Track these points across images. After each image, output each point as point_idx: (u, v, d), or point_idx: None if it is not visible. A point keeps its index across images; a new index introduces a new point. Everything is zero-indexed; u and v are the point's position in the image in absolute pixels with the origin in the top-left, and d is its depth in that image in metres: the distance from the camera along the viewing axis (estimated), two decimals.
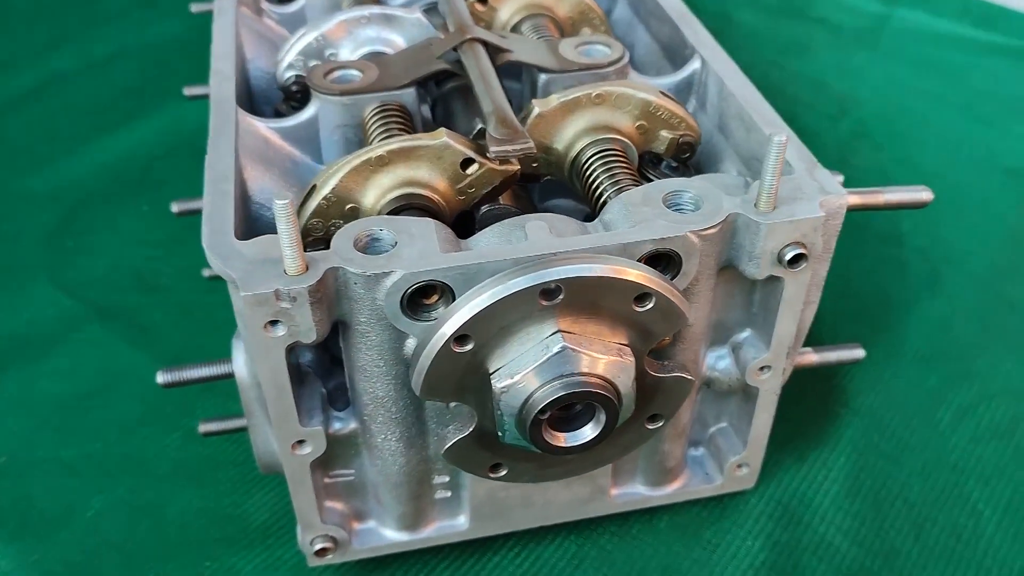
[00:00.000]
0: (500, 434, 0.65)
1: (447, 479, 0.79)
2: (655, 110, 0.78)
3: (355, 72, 0.83)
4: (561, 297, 0.60)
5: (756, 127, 0.77)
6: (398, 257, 0.62)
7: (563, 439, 0.65)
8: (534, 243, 0.64)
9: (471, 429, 0.67)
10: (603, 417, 0.65)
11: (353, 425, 0.74)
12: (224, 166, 0.72)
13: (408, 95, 0.82)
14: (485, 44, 0.82)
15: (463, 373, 0.63)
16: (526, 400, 0.62)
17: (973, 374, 1.03)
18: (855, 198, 0.72)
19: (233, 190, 0.70)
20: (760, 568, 0.85)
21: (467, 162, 0.72)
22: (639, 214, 0.66)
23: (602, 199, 0.74)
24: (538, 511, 0.84)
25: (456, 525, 0.83)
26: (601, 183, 0.74)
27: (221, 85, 0.81)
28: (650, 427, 0.71)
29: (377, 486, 0.79)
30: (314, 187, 0.72)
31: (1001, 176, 1.38)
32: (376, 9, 0.88)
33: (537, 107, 0.76)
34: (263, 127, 0.82)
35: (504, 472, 0.71)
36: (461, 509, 0.82)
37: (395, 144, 0.70)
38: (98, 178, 1.35)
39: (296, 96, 0.89)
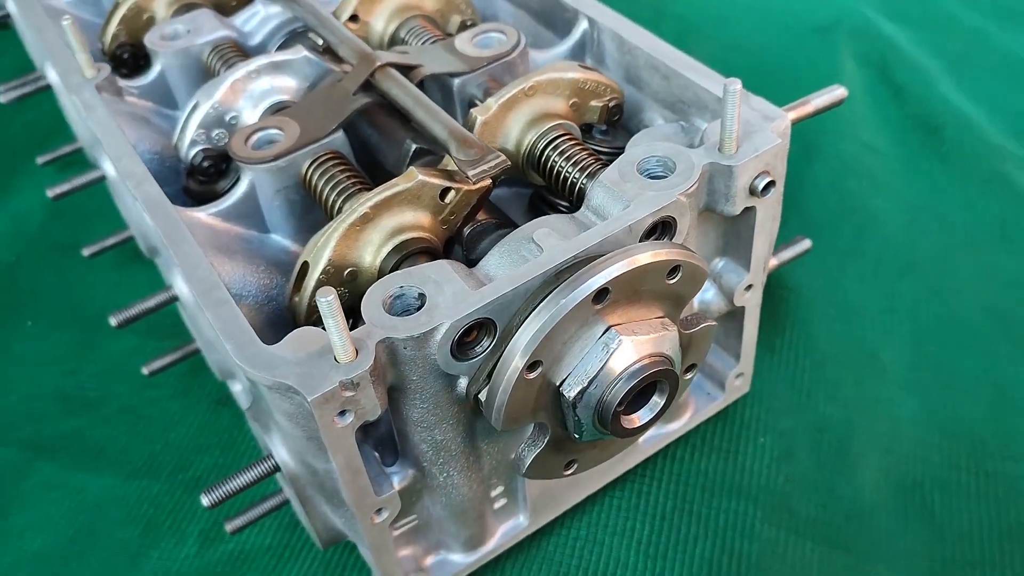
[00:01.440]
0: (577, 436, 0.68)
1: (502, 488, 0.81)
2: (583, 84, 0.81)
3: (275, 131, 0.80)
4: (610, 296, 0.63)
5: (676, 74, 0.82)
6: (436, 309, 0.63)
7: (638, 419, 0.69)
8: (553, 254, 0.66)
9: (546, 441, 0.70)
10: (666, 387, 0.69)
11: (411, 473, 0.75)
12: (204, 273, 0.69)
13: (338, 140, 0.80)
14: (396, 66, 0.81)
15: (536, 395, 0.65)
16: (600, 400, 0.65)
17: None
18: (792, 114, 0.78)
19: (228, 294, 0.67)
20: (781, 458, 0.93)
21: (444, 192, 0.72)
22: (625, 192, 0.69)
23: (571, 184, 0.76)
24: (583, 484, 0.89)
25: (517, 526, 0.86)
26: (564, 170, 0.76)
27: (144, 187, 0.76)
28: (687, 377, 0.75)
29: (442, 520, 0.80)
30: (306, 264, 0.70)
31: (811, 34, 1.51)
32: (262, 60, 0.85)
33: (479, 115, 0.77)
34: (205, 216, 0.78)
35: (576, 466, 0.74)
36: (519, 509, 0.85)
37: (375, 198, 0.69)
38: None
39: (208, 171, 0.85)
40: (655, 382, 0.68)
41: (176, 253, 0.70)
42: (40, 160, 1.27)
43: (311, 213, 0.82)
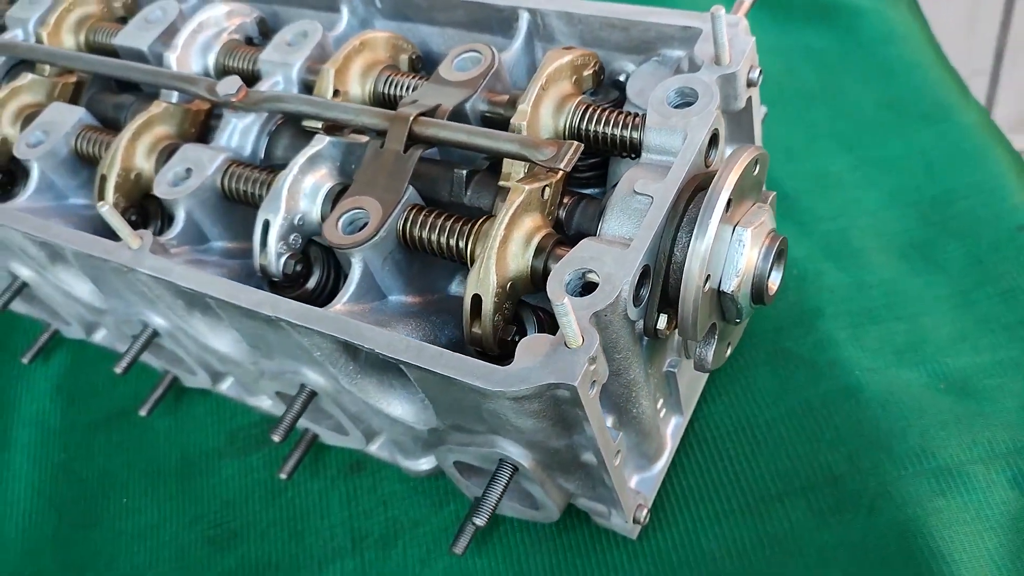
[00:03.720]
0: (737, 320, 0.85)
1: (662, 399, 0.97)
2: (576, 62, 0.94)
3: (355, 211, 0.89)
4: (732, 203, 0.79)
5: (635, 23, 0.97)
6: (613, 276, 0.77)
7: (774, 283, 0.86)
8: (662, 195, 0.81)
9: (716, 337, 0.85)
10: (784, 251, 0.86)
11: (611, 419, 0.89)
12: (404, 343, 0.79)
13: (413, 194, 0.90)
14: (425, 113, 0.92)
15: (708, 302, 0.80)
16: (752, 283, 0.82)
17: None
18: (742, 11, 0.96)
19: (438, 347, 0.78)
20: None
21: (543, 191, 0.85)
22: (676, 125, 0.85)
23: (621, 141, 0.90)
24: (700, 376, 1.06)
25: (679, 424, 1.02)
26: (611, 133, 0.90)
27: (290, 306, 0.84)
28: None
29: (634, 446, 0.95)
30: (476, 296, 0.81)
31: None
32: (298, 161, 0.93)
33: (521, 121, 0.89)
34: (342, 307, 0.87)
35: (731, 348, 0.91)
36: (675, 411, 1.01)
37: (504, 219, 0.81)
38: None
39: (300, 273, 0.93)
40: (780, 250, 0.85)
41: (368, 341, 0.80)
42: (26, 359, 1.28)
43: (412, 266, 0.93)
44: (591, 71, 0.97)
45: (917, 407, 1.01)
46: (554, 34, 1.04)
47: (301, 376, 0.97)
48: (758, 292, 0.83)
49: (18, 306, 1.34)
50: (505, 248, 0.82)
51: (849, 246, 1.18)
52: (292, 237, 0.93)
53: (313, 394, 0.98)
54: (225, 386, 1.20)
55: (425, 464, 1.07)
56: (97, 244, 0.96)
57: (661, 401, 0.97)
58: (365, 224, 0.88)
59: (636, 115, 0.91)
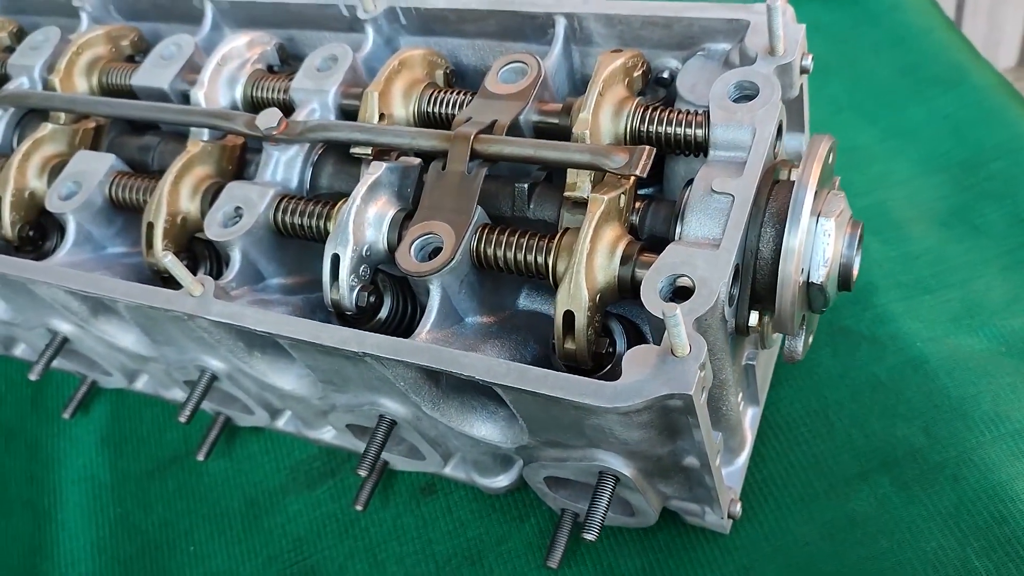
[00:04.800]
0: (823, 309, 0.85)
1: (741, 393, 0.97)
2: (627, 64, 0.94)
3: (426, 236, 0.88)
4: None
5: (677, 20, 0.96)
6: (707, 280, 0.76)
7: (858, 266, 0.86)
8: (742, 191, 0.81)
9: (804, 328, 0.86)
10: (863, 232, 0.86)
11: None
12: (504, 366, 0.78)
13: (482, 214, 0.89)
14: (483, 130, 0.91)
15: (800, 294, 0.81)
16: (840, 270, 0.82)
17: None
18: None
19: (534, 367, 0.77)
20: None
21: (621, 197, 0.84)
22: (742, 120, 0.85)
23: (686, 140, 0.89)
24: (768, 365, 1.06)
25: (756, 414, 1.03)
26: (675, 132, 0.89)
27: (376, 339, 0.83)
28: None
29: (722, 444, 0.95)
30: (569, 312, 0.81)
31: None
32: (360, 191, 0.91)
33: (583, 130, 0.88)
34: (426, 335, 0.86)
35: (812, 336, 0.91)
36: (753, 402, 1.02)
37: (588, 232, 0.81)
38: None
39: (373, 305, 0.92)
40: (861, 235, 0.85)
41: (467, 368, 0.79)
42: (67, 414, 1.25)
43: (484, 285, 0.92)
44: (640, 72, 0.96)
45: (983, 372, 1.02)
46: (592, 36, 1.03)
47: (379, 407, 0.96)
48: (844, 279, 0.83)
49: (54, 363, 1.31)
50: (592, 261, 0.81)
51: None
52: (362, 269, 0.91)
53: (393, 424, 0.97)
54: (282, 422, 1.18)
55: (503, 480, 1.06)
56: (157, 295, 0.93)
57: (740, 394, 0.97)
58: (437, 249, 0.87)
59: (697, 113, 0.90)
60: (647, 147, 0.84)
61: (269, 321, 0.88)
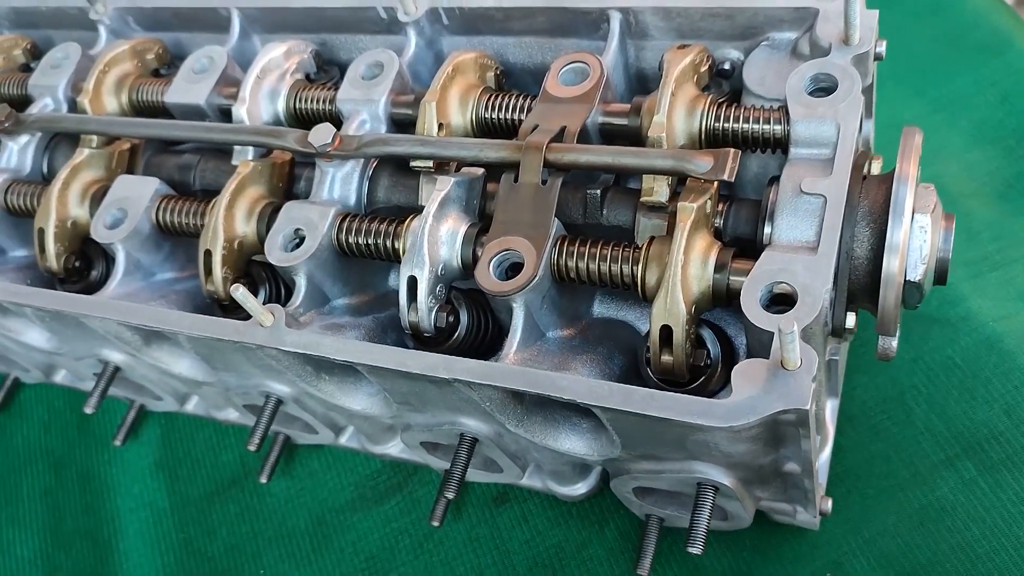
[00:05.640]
0: (916, 306, 0.83)
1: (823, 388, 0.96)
2: (695, 60, 0.91)
3: (504, 253, 0.85)
4: None
5: (740, 10, 0.93)
6: (811, 286, 0.75)
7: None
8: (834, 191, 0.78)
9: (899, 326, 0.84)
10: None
11: None
12: (606, 388, 0.76)
13: (559, 226, 0.86)
14: (553, 138, 0.88)
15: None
16: (936, 266, 0.80)
17: None
18: None
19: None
20: None
21: (707, 203, 0.82)
22: (824, 115, 0.82)
23: (764, 138, 0.87)
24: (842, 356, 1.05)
25: (834, 408, 1.02)
26: (752, 130, 0.87)
27: (464, 363, 0.81)
28: None
29: None
30: (666, 327, 0.79)
31: None
32: (431, 209, 0.88)
33: (659, 133, 0.86)
34: (513, 356, 0.84)
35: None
36: (832, 394, 1.01)
37: (680, 242, 0.79)
38: None
39: (451, 325, 0.90)
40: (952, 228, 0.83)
41: (567, 392, 0.77)
42: (119, 441, 1.23)
43: (563, 297, 0.89)
44: (706, 67, 0.93)
45: None
46: (648, 30, 1.00)
47: (460, 427, 0.94)
48: (940, 275, 0.81)
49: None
50: (686, 272, 0.79)
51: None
52: (438, 288, 0.88)
53: (475, 442, 0.95)
54: (345, 438, 1.16)
55: (582, 488, 1.05)
56: (226, 327, 0.90)
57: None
58: (515, 264, 0.85)
59: (774, 108, 0.88)
60: (731, 150, 0.81)
61: (349, 350, 0.86)
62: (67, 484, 1.28)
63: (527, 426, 0.90)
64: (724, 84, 0.97)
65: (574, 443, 0.92)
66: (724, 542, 1.01)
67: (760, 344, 0.77)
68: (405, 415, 0.98)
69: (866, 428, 1.03)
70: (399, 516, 1.13)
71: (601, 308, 0.97)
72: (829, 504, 0.93)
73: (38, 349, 1.19)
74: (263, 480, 1.13)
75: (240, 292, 0.85)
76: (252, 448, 1.02)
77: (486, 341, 0.96)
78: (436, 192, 0.90)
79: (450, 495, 0.94)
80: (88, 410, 1.11)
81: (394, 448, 1.14)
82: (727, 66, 0.98)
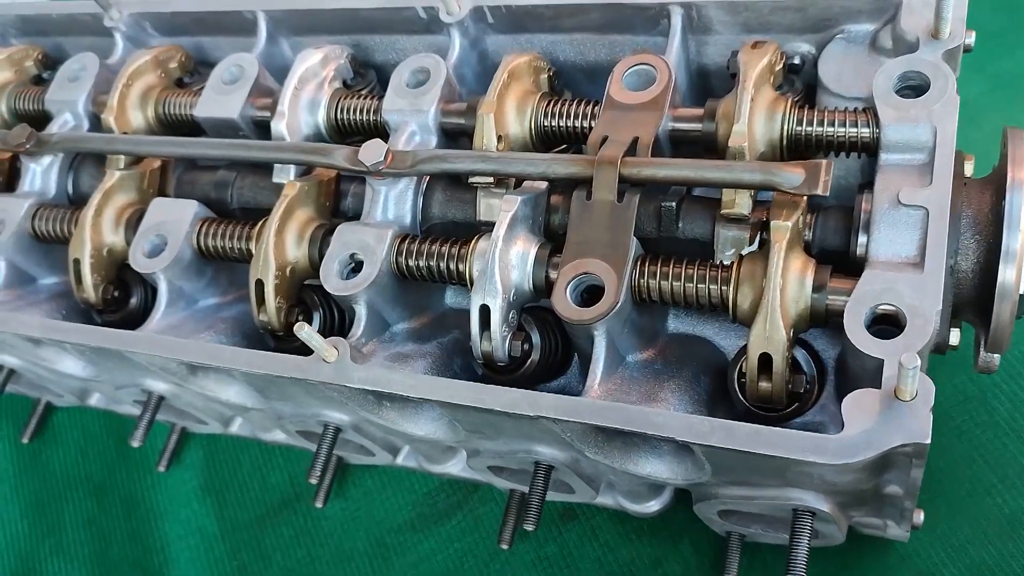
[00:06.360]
0: (1019, 317, 0.79)
1: None
2: (770, 61, 0.85)
3: (582, 276, 0.80)
4: None
5: (811, 2, 0.88)
6: (918, 307, 0.71)
7: None
8: (937, 199, 0.74)
9: None
10: None
11: None
12: (690, 420, 0.72)
13: (638, 248, 0.82)
14: (627, 152, 0.83)
15: None
16: None
17: None
18: None
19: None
20: None
21: (799, 219, 0.77)
22: (918, 118, 0.78)
23: (851, 143, 0.82)
24: None
25: None
26: (838, 135, 0.81)
27: (548, 398, 0.76)
28: None
29: None
30: (765, 355, 0.74)
31: None
32: (500, 232, 0.82)
33: (741, 143, 0.81)
34: (598, 389, 0.79)
35: None
36: None
37: (778, 262, 0.74)
38: None
39: (526, 351, 0.86)
40: None
41: (664, 429, 0.72)
42: (163, 467, 1.20)
43: (643, 318, 0.85)
44: (781, 65, 0.88)
45: None
46: (711, 25, 0.94)
47: (535, 454, 0.90)
48: None
49: (132, 409, 1.24)
50: (785, 294, 0.75)
51: None
52: (511, 315, 0.84)
53: (551, 469, 0.91)
54: (401, 458, 1.12)
55: (655, 505, 1.01)
56: (286, 364, 0.86)
57: None
58: (592, 287, 0.80)
59: (861, 111, 0.82)
60: (824, 161, 0.76)
61: (423, 386, 0.81)
62: (111, 511, 1.24)
63: (607, 452, 0.86)
64: (796, 81, 0.92)
65: (655, 467, 0.88)
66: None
67: (863, 369, 0.73)
68: (474, 441, 0.94)
69: (947, 430, 1.00)
70: (462, 536, 1.09)
71: (677, 324, 0.93)
72: (922, 517, 0.89)
73: (74, 377, 1.14)
74: (319, 505, 1.09)
75: (305, 331, 0.80)
76: (313, 480, 0.99)
77: (557, 360, 0.91)
78: (503, 213, 0.84)
79: (530, 527, 0.90)
80: (135, 443, 1.07)
81: (454, 467, 1.10)
82: (796, 60, 0.93)
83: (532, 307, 0.90)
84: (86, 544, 1.22)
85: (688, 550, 1.02)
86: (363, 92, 1.04)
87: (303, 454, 1.18)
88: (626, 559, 1.03)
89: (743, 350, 0.84)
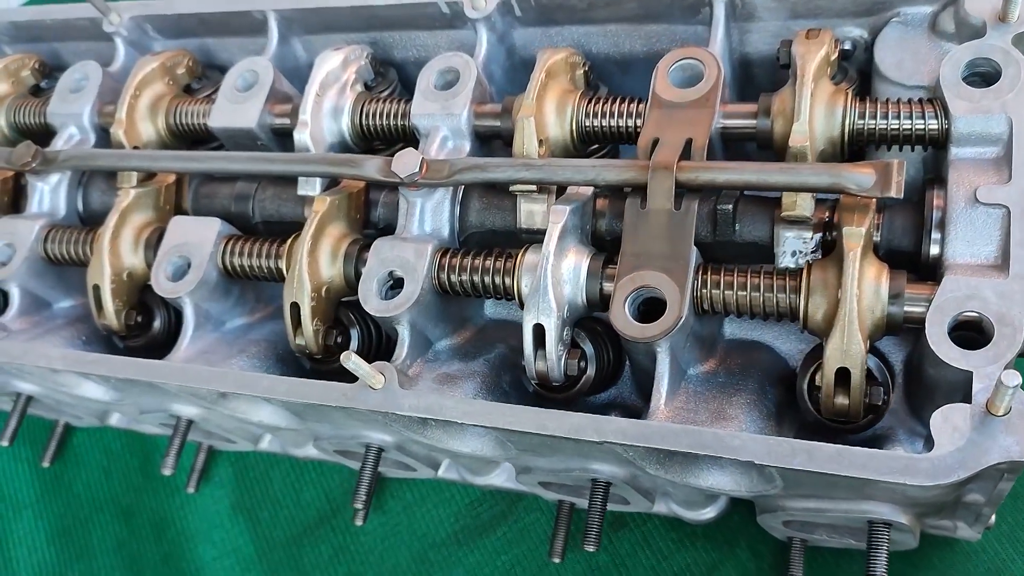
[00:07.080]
0: None
1: None
2: (827, 52, 0.81)
3: (640, 290, 0.76)
4: None
5: None
6: (1006, 315, 0.67)
7: None
8: (1017, 197, 0.70)
9: None
10: None
11: None
12: (767, 443, 0.68)
13: (698, 257, 0.78)
14: (681, 157, 0.78)
15: None
16: None
17: None
18: None
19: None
20: None
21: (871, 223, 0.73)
22: (991, 108, 0.74)
23: (917, 136, 0.77)
24: None
25: None
26: (903, 128, 0.77)
27: (583, 419, 0.73)
28: None
29: None
30: (844, 370, 0.71)
31: None
32: (550, 248, 0.78)
33: (803, 143, 0.76)
34: (665, 409, 0.76)
35: None
36: None
37: (853, 272, 0.70)
38: None
39: (582, 370, 0.82)
40: None
41: (741, 452, 0.69)
42: (192, 488, 1.16)
43: (704, 329, 0.81)
44: (836, 55, 0.83)
45: None
46: (756, 12, 0.89)
47: (592, 472, 0.87)
48: None
49: (155, 428, 1.20)
50: (861, 305, 0.71)
51: None
52: (565, 333, 0.80)
53: (609, 485, 0.88)
54: (442, 471, 1.08)
55: (710, 512, 0.98)
56: (331, 392, 0.82)
57: None
58: (650, 300, 0.77)
59: (927, 101, 0.78)
60: (896, 162, 0.72)
61: (478, 412, 0.77)
62: (141, 534, 1.20)
63: (668, 467, 0.83)
64: (850, 69, 0.88)
65: (718, 479, 0.84)
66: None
67: (944, 379, 0.70)
68: (525, 459, 0.90)
69: None
70: (508, 548, 1.06)
71: (733, 328, 0.89)
72: (993, 519, 0.87)
73: (96, 401, 1.10)
74: (358, 523, 1.06)
75: (352, 362, 0.76)
76: (359, 506, 0.95)
77: (611, 372, 0.88)
78: (552, 225, 0.80)
79: (591, 548, 0.87)
80: (166, 471, 1.03)
81: (498, 479, 1.06)
82: (848, 45, 0.89)
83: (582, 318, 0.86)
84: (117, 569, 1.19)
85: (745, 555, 0.99)
86: (386, 95, 0.99)
87: (337, 468, 1.15)
88: (680, 566, 1.00)
89: (810, 358, 0.81)
